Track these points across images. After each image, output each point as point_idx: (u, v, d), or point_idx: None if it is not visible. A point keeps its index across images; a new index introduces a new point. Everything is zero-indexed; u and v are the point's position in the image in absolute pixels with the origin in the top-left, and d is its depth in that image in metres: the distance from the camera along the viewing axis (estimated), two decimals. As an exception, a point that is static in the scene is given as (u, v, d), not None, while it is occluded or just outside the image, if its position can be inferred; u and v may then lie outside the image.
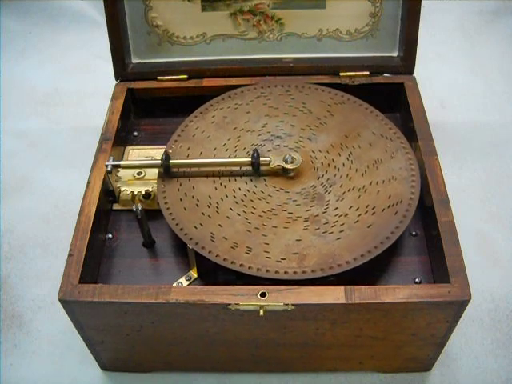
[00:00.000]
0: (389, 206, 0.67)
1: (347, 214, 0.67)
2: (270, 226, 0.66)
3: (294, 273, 0.61)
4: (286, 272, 0.61)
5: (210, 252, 0.63)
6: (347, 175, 0.71)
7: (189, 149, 0.74)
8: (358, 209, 0.67)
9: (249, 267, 0.62)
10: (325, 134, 0.76)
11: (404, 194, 0.68)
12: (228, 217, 0.66)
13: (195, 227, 0.65)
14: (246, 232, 0.65)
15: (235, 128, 0.76)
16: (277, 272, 0.61)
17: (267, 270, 0.61)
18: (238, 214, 0.67)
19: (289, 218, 0.67)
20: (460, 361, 0.74)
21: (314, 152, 0.74)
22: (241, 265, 0.62)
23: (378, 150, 0.73)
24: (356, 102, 0.79)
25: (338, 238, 0.64)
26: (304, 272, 0.61)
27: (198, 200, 0.68)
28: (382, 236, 0.64)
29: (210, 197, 0.69)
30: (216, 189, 0.70)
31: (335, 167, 0.72)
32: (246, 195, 0.69)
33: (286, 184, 0.70)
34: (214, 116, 0.77)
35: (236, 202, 0.68)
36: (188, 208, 0.67)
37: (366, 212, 0.66)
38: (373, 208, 0.67)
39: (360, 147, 0.74)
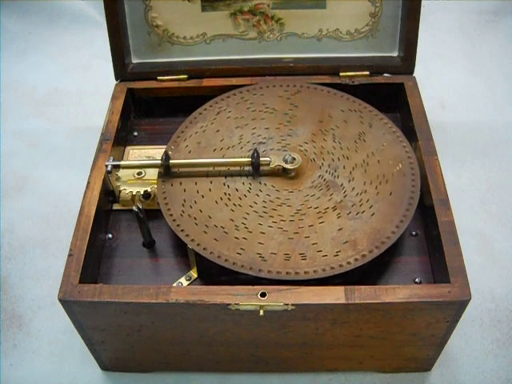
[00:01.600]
0: (395, 170, 0.70)
1: (366, 191, 0.69)
2: (306, 227, 0.66)
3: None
4: (341, 265, 0.62)
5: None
6: (343, 156, 0.72)
7: (187, 147, 0.74)
8: (371, 182, 0.69)
9: (298, 272, 0.61)
10: (300, 125, 0.76)
11: (401, 154, 0.72)
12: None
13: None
14: (286, 239, 0.64)
15: (214, 149, 0.74)
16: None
17: (324, 270, 0.61)
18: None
19: (318, 212, 0.67)
20: (460, 361, 0.74)
21: (301, 145, 0.74)
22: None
23: (355, 124, 0.76)
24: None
25: (373, 214, 0.66)
26: (363, 256, 0.62)
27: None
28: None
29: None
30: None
31: (328, 152, 0.73)
32: (265, 206, 0.68)
33: (292, 184, 0.70)
34: (187, 146, 0.74)
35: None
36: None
37: (380, 182, 0.69)
38: (383, 176, 0.70)
39: (338, 127, 0.76)
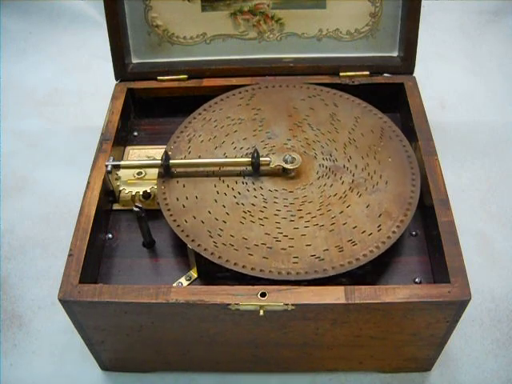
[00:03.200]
0: (385, 138, 0.74)
1: (367, 164, 0.71)
2: (338, 214, 0.66)
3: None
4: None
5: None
6: (329, 140, 0.74)
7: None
8: (367, 155, 0.72)
9: (356, 258, 0.62)
10: (274, 126, 0.76)
11: (379, 123, 0.75)
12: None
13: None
14: (328, 233, 0.64)
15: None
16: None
17: (377, 246, 0.63)
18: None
19: (340, 198, 0.68)
20: (460, 361, 0.74)
21: (286, 144, 0.74)
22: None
23: (321, 108, 0.78)
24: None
25: (386, 182, 0.69)
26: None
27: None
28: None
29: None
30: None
31: (314, 141, 0.74)
32: (290, 210, 0.67)
33: (296, 183, 0.70)
34: (178, 183, 0.71)
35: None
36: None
37: (374, 152, 0.72)
38: (374, 146, 0.73)
39: (308, 115, 0.77)
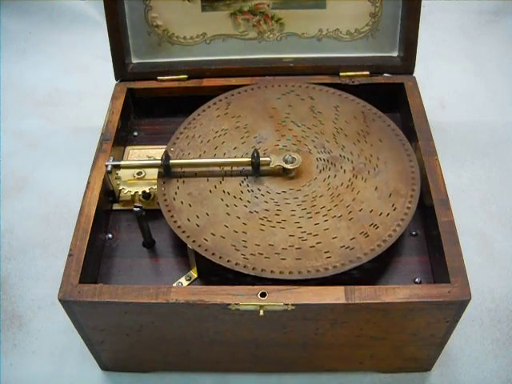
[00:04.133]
0: (369, 121, 0.76)
1: (362, 149, 0.73)
2: (351, 202, 0.67)
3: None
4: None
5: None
6: (318, 133, 0.75)
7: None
8: (358, 141, 0.74)
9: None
10: (259, 129, 0.76)
11: (358, 108, 0.77)
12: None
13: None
14: (349, 222, 0.65)
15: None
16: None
17: (398, 225, 0.64)
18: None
19: (347, 187, 0.69)
20: (460, 361, 0.74)
21: (277, 145, 0.74)
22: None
23: (299, 103, 0.79)
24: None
25: (385, 162, 0.71)
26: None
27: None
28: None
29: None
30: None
31: (304, 137, 0.75)
32: (305, 208, 0.67)
33: (300, 180, 0.70)
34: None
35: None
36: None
37: (364, 137, 0.74)
38: (362, 131, 0.75)
39: (289, 113, 0.78)
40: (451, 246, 0.62)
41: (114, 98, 0.82)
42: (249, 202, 0.68)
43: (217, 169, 0.71)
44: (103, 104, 0.83)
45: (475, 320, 0.77)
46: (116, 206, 0.74)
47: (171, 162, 0.70)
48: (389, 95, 0.83)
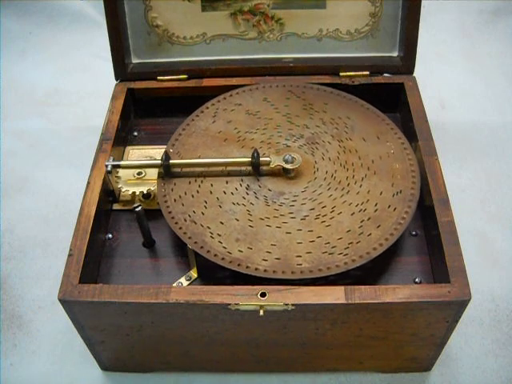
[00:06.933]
0: (297, 94, 0.80)
1: (313, 109, 0.78)
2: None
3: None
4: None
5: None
6: (275, 128, 0.76)
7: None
8: (312, 112, 0.78)
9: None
10: (246, 138, 0.76)
11: (284, 90, 0.80)
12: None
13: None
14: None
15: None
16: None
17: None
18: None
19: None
20: (460, 361, 0.74)
21: (273, 146, 0.74)
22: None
23: (236, 114, 0.79)
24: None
25: (355, 120, 0.76)
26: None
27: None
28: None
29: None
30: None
31: (268, 138, 0.75)
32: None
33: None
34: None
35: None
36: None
37: (312, 104, 0.79)
38: (309, 103, 0.79)
39: (237, 127, 0.77)
40: (451, 246, 0.62)
41: (113, 98, 0.82)
42: (252, 204, 0.68)
43: (217, 169, 0.71)
44: (103, 104, 0.83)
45: (475, 320, 0.77)
46: (116, 206, 0.74)
47: (171, 161, 0.70)
48: (389, 95, 0.83)
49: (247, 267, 0.62)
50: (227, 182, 0.70)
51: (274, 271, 0.61)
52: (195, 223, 0.66)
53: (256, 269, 0.61)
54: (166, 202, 0.68)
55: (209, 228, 0.65)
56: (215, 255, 0.63)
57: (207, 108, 0.79)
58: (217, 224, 0.66)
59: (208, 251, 0.63)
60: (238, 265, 0.62)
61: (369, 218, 0.65)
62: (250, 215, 0.67)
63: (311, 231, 0.65)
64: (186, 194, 0.69)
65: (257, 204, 0.68)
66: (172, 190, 0.70)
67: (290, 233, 0.65)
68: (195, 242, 0.64)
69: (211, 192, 0.69)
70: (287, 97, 0.80)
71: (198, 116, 0.78)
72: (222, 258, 0.62)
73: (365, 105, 0.78)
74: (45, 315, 0.80)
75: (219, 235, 0.64)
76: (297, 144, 0.74)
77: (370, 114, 0.77)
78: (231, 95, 0.81)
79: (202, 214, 0.67)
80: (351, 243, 0.63)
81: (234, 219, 0.66)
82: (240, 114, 0.78)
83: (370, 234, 0.64)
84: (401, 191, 0.68)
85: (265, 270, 0.61)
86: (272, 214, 0.67)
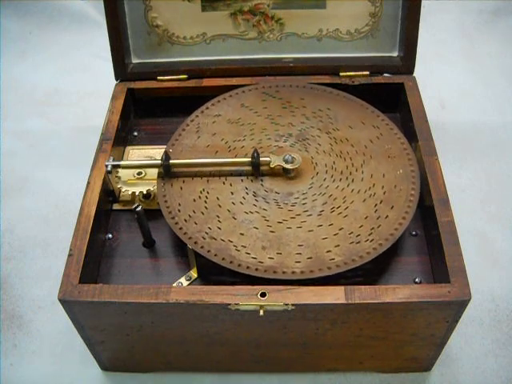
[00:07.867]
0: (269, 93, 0.81)
1: (291, 104, 0.78)
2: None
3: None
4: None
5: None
6: (261, 131, 0.76)
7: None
8: (292, 109, 0.78)
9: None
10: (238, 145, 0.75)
11: (258, 92, 0.80)
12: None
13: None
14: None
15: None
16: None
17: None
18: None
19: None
20: (460, 361, 0.74)
21: (266, 149, 0.74)
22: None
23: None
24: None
25: (336, 113, 0.77)
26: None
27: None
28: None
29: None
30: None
31: (258, 142, 0.75)
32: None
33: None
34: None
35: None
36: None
37: (290, 102, 0.79)
38: (287, 101, 0.79)
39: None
40: (451, 246, 0.62)
41: (113, 98, 0.82)
42: (265, 210, 0.68)
43: (217, 169, 0.71)
44: (103, 104, 0.83)
45: (475, 320, 0.77)
46: (116, 206, 0.74)
47: (171, 161, 0.70)
48: (389, 95, 0.83)
49: (283, 272, 0.61)
50: (232, 193, 0.69)
51: (311, 271, 0.61)
52: (215, 239, 0.64)
53: (293, 272, 0.61)
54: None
55: (231, 241, 0.64)
56: (248, 267, 0.62)
57: (187, 125, 0.77)
58: (238, 236, 0.65)
59: (239, 265, 0.62)
60: (274, 272, 0.61)
61: (381, 201, 0.66)
62: (267, 221, 0.66)
63: (331, 225, 0.65)
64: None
65: (270, 209, 0.67)
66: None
67: (312, 230, 0.65)
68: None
69: (220, 206, 0.68)
70: (263, 99, 0.80)
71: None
72: (256, 269, 0.61)
73: (339, 93, 0.80)
74: (45, 315, 0.80)
75: (244, 247, 0.64)
76: (288, 143, 0.74)
77: (346, 102, 0.79)
78: (207, 108, 0.79)
79: (219, 228, 0.66)
80: (373, 228, 0.64)
81: (253, 228, 0.65)
82: (222, 125, 0.77)
83: (388, 216, 0.65)
84: (401, 170, 0.70)
85: (302, 272, 0.61)
86: (288, 215, 0.67)
